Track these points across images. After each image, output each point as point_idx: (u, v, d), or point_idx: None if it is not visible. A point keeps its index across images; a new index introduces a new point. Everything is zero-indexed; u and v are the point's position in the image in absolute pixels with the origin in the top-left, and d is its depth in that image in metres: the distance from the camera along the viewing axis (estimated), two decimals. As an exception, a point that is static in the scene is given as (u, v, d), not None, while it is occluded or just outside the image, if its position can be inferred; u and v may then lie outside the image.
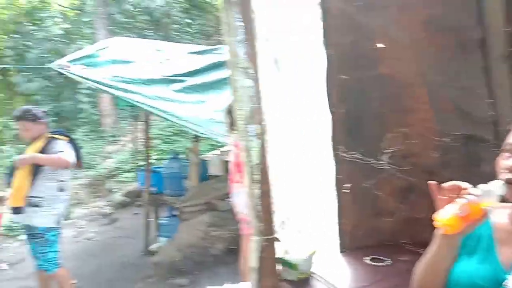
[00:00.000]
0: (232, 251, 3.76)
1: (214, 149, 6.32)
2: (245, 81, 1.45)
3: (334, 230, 1.82)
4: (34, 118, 3.10)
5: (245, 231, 2.89)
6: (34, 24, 10.35)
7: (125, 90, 3.40)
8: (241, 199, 2.91)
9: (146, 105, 3.43)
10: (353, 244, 1.84)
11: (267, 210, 1.45)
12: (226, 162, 4.33)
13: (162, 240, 4.41)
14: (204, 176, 4.55)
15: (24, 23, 10.25)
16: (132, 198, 6.62)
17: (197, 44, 6.20)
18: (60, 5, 11.24)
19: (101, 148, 9.10)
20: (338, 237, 1.83)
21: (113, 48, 3.81)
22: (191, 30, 11.65)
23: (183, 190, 4.45)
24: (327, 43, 1.75)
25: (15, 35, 10.09)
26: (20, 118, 3.12)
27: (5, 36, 10.31)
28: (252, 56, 1.44)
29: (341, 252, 1.83)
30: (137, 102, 3.42)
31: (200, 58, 4.20)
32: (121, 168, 8.21)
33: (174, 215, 4.41)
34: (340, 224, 1.83)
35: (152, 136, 7.32)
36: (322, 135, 1.78)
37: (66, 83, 9.91)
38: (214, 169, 4.64)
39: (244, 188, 2.75)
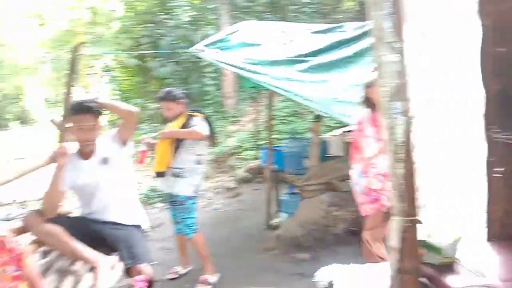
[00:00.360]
0: (354, 232, 3.74)
1: (335, 129, 6.26)
2: (390, 56, 1.41)
3: (482, 217, 1.69)
4: (175, 99, 3.45)
5: (363, 211, 2.88)
6: (165, 13, 11.34)
7: (253, 72, 3.55)
8: (354, 177, 2.89)
9: (272, 85, 3.55)
10: (503, 232, 1.68)
11: (411, 191, 1.41)
12: (347, 143, 4.28)
13: (283, 215, 4.58)
14: (324, 156, 4.56)
15: (157, 13, 11.29)
16: (253, 175, 6.98)
17: (314, 23, 6.13)
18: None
19: (223, 128, 9.71)
20: (486, 224, 1.69)
21: (242, 31, 4.00)
22: (308, 10, 11.57)
23: (303, 169, 4.53)
24: (482, 13, 1.59)
25: (150, 24, 11.18)
26: (163, 98, 3.50)
27: (142, 26, 11.50)
28: (398, 29, 1.39)
29: (488, 240, 1.69)
30: (264, 82, 3.55)
31: (323, 37, 4.17)
32: (241, 146, 8.66)
33: (295, 193, 4.53)
34: (489, 210, 1.68)
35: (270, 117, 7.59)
36: (473, 113, 1.65)
37: (193, 67, 10.72)
38: (334, 150, 4.62)
39: (360, 166, 2.74)
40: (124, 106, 2.53)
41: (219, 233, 4.75)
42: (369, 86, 2.75)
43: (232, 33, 3.94)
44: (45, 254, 2.48)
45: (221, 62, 3.54)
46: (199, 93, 10.18)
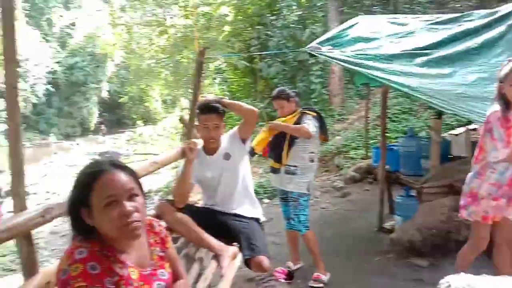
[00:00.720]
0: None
1: (456, 127, 5.77)
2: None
3: None
4: (287, 97, 3.52)
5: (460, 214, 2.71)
6: (273, 15, 11.61)
7: (368, 67, 3.44)
8: (468, 176, 2.66)
9: (389, 80, 3.39)
10: None
11: None
12: (473, 142, 3.91)
13: (397, 218, 4.35)
14: (446, 157, 4.22)
15: (266, 15, 11.62)
16: (362, 175, 6.77)
17: (429, 14, 5.69)
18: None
19: (330, 126, 9.60)
20: None
21: (356, 27, 3.91)
22: (422, 1, 10.84)
23: (421, 170, 4.24)
24: None
25: (258, 27, 11.56)
26: (276, 97, 3.59)
27: (251, 28, 11.95)
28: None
29: None
30: (380, 78, 3.41)
31: (444, 28, 3.87)
32: (349, 145, 8.47)
33: (411, 195, 4.27)
34: None
35: (378, 115, 7.28)
36: None
37: (300, 66, 10.81)
38: (457, 150, 4.24)
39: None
40: (246, 106, 2.65)
41: (328, 232, 4.71)
42: (502, 80, 2.44)
43: (345, 29, 3.87)
44: (174, 240, 2.73)
45: (335, 59, 3.50)
46: (306, 92, 10.23)
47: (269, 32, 11.27)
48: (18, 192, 1.31)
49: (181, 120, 3.02)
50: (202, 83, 2.99)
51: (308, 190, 3.44)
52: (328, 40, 3.72)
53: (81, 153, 19.79)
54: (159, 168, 2.53)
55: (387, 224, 4.50)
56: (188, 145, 2.46)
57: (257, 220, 2.66)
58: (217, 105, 2.56)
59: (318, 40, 3.74)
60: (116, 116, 37.39)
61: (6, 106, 1.23)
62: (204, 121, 2.57)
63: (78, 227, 1.28)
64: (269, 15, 11.54)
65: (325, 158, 8.41)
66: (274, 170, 3.55)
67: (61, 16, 34.50)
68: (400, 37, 3.87)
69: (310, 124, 3.36)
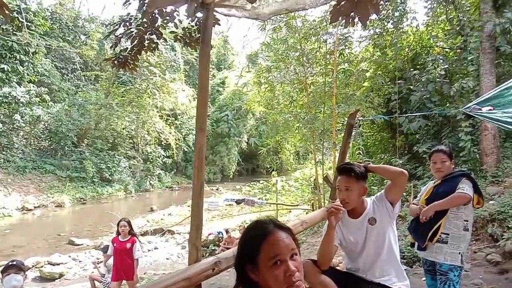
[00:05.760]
0: None
1: None
2: None
3: None
4: (450, 155, 3.31)
5: None
6: (416, 69, 11.23)
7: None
8: None
9: None
10: None
11: None
12: None
13: None
14: None
15: (408, 70, 11.29)
16: (531, 251, 5.77)
17: None
18: (441, 47, 11.69)
19: (482, 189, 8.52)
20: None
21: (521, 84, 3.53)
22: None
23: None
24: None
25: (399, 81, 11.27)
26: (440, 151, 3.34)
27: (391, 83, 11.70)
28: None
29: None
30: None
31: None
32: (505, 212, 7.36)
33: None
34: None
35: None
36: None
37: (445, 122, 10.07)
38: None
39: None
40: (393, 168, 2.58)
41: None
42: None
43: (510, 87, 3.53)
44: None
45: (500, 121, 3.19)
46: (453, 150, 9.41)
47: (411, 87, 10.88)
48: (195, 244, 1.49)
49: (326, 179, 3.07)
50: (350, 144, 3.03)
51: (462, 263, 3.09)
52: (488, 100, 3.42)
53: (220, 198, 21.37)
54: (309, 227, 2.57)
55: None
56: (331, 208, 2.46)
57: (402, 291, 2.48)
58: (359, 169, 2.54)
59: (476, 101, 3.49)
60: (252, 166, 39.92)
61: (193, 166, 1.45)
62: (337, 182, 2.57)
63: (243, 280, 1.40)
64: (412, 69, 11.20)
65: (476, 225, 7.42)
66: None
67: (213, 76, 39.29)
68: None
69: (466, 188, 3.09)
